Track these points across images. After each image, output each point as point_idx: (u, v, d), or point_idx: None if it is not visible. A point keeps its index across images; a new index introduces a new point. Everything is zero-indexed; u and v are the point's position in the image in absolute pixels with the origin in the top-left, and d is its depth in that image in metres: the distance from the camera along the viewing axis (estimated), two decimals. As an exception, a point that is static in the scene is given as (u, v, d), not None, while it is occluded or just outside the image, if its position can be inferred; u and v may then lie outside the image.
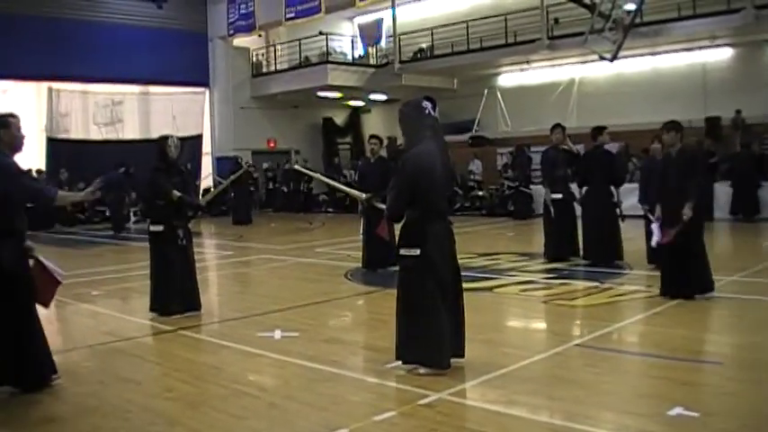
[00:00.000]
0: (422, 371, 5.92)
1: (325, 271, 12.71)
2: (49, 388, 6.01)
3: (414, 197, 5.87)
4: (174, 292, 8.83)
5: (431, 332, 5.85)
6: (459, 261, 6.37)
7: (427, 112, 5.97)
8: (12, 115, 6.11)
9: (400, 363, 6.09)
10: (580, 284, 10.32)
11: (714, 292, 8.85)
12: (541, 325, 8.48)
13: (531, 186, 21.85)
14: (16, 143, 6.01)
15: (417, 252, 5.84)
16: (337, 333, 8.13)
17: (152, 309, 9.00)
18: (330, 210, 28.27)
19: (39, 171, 24.62)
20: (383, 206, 6.80)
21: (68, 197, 6.18)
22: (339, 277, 11.79)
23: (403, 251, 5.98)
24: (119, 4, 27.45)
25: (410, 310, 5.95)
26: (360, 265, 12.36)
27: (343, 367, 6.45)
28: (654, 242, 9.31)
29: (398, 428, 4.87)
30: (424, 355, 5.93)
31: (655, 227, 9.15)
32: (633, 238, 12.07)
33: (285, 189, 29.67)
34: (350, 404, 5.41)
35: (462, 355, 6.16)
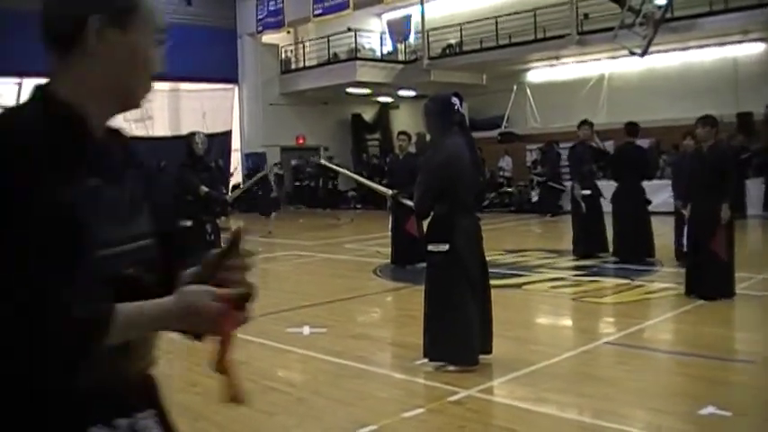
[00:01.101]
0: (450, 368, 5.91)
1: (354, 267, 12.72)
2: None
3: (441, 192, 5.85)
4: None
5: (458, 329, 5.83)
6: (488, 258, 6.35)
7: (456, 108, 5.96)
8: None
9: (428, 360, 6.07)
10: (610, 282, 10.25)
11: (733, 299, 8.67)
12: (571, 322, 8.44)
13: (565, 183, 21.75)
14: None
15: (446, 248, 5.82)
16: (365, 329, 8.13)
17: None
18: (358, 206, 28.28)
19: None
20: (410, 202, 6.80)
21: None
22: (368, 273, 11.79)
23: (431, 247, 5.96)
24: (149, 1, 27.64)
25: (438, 307, 5.93)
26: (388, 261, 12.35)
27: (371, 363, 6.45)
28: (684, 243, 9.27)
29: (427, 425, 4.86)
30: (451, 352, 5.91)
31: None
32: (664, 234, 11.97)
33: (312, 185, 29.72)
34: (378, 400, 5.40)
35: (490, 352, 6.13)
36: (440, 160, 5.85)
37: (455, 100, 5.97)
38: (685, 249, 9.58)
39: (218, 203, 9.47)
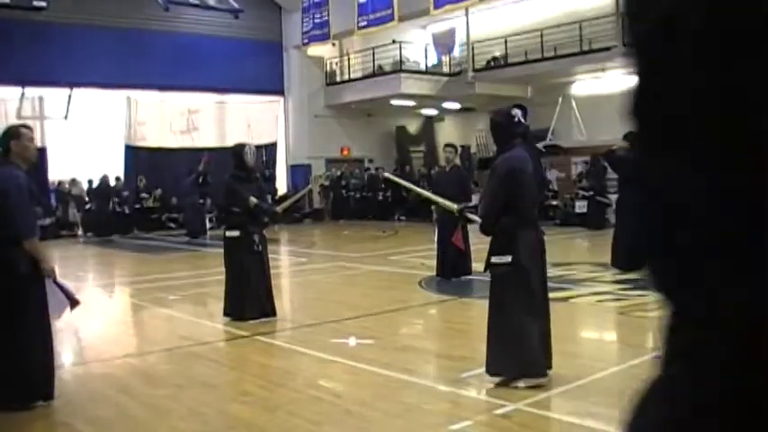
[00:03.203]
0: (521, 384, 5.78)
1: (399, 279, 12.72)
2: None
3: (505, 205, 5.81)
4: (249, 298, 8.93)
5: (522, 343, 5.74)
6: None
7: (517, 119, 5.94)
8: (25, 126, 6.15)
9: (488, 376, 5.95)
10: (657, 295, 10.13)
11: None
12: (619, 336, 8.37)
13: (610, 197, 21.56)
14: (27, 154, 5.96)
15: (509, 259, 5.76)
16: (411, 341, 8.13)
17: (226, 313, 9.12)
18: (403, 218, 28.25)
19: (117, 178, 25.22)
20: (476, 218, 6.72)
21: (38, 249, 5.98)
22: (413, 285, 11.78)
23: (494, 259, 5.89)
24: (196, 16, 27.88)
25: (502, 321, 5.82)
26: (433, 273, 12.34)
27: (417, 375, 6.45)
28: None
29: (474, 438, 4.84)
30: (522, 367, 5.79)
31: None
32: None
33: (358, 196, 29.78)
34: (425, 413, 5.39)
35: (550, 366, 6.04)
36: (504, 173, 5.82)
37: (516, 111, 5.96)
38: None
39: (267, 215, 9.53)
